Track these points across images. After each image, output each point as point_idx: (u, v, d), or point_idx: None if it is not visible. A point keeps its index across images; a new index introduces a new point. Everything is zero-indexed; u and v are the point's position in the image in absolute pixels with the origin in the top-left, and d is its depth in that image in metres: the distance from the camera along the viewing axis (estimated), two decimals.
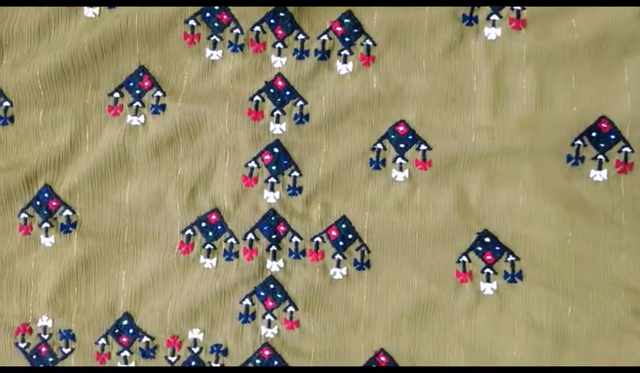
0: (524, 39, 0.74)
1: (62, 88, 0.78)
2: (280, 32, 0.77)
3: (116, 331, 0.77)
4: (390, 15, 0.75)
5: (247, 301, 0.76)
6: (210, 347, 0.76)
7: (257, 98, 0.77)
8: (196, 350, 0.76)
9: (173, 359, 0.77)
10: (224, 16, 0.77)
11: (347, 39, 0.76)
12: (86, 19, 0.78)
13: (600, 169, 0.73)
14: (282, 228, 0.76)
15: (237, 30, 0.77)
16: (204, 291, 0.76)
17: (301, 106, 0.76)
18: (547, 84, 0.74)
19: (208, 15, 0.77)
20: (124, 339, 0.77)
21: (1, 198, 0.78)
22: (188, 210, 0.77)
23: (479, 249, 0.74)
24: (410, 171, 0.75)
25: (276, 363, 0.76)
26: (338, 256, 0.76)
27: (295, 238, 0.76)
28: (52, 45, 0.78)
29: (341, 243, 0.75)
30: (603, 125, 0.73)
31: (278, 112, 0.77)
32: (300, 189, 0.76)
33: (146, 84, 0.78)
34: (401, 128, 0.76)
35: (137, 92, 0.78)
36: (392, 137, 0.76)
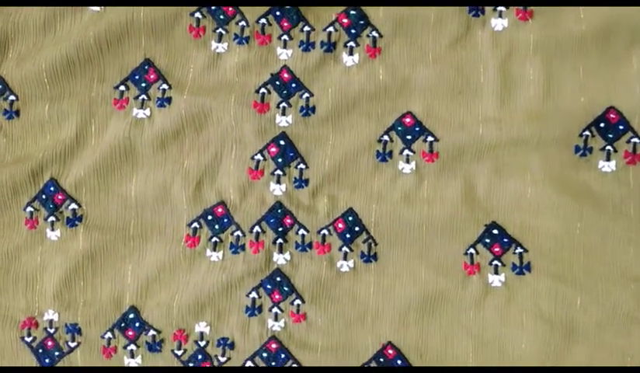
0: (531, 29, 0.74)
1: (68, 81, 0.78)
2: (285, 24, 0.76)
3: (123, 325, 0.77)
4: (396, 7, 0.75)
5: (253, 294, 0.76)
6: (217, 341, 0.76)
7: (263, 90, 0.76)
8: (202, 343, 0.76)
9: (180, 352, 0.76)
10: (230, 9, 0.77)
11: (353, 30, 0.76)
12: (92, 13, 0.78)
13: (608, 159, 0.73)
14: (288, 221, 0.76)
15: (242, 23, 0.77)
16: (211, 284, 0.76)
17: (307, 98, 0.76)
18: (555, 75, 0.74)
19: (214, 7, 0.77)
20: (130, 333, 0.77)
21: (7, 192, 0.77)
22: (194, 203, 0.77)
23: (487, 240, 0.74)
24: (417, 163, 0.75)
25: (282, 356, 0.75)
26: (345, 249, 0.75)
27: (302, 231, 0.76)
28: (58, 38, 0.78)
29: (348, 236, 0.75)
30: (612, 116, 0.72)
31: (284, 104, 0.76)
32: (306, 182, 0.76)
33: (152, 77, 0.78)
34: (407, 120, 0.75)
35: (143, 85, 0.77)
36: (399, 128, 0.75)
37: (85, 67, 0.78)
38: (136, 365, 0.77)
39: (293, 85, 0.76)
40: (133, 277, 0.77)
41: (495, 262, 0.74)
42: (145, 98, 0.77)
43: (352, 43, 0.76)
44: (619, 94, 0.73)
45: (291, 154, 0.76)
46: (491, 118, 0.74)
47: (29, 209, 0.78)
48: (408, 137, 0.75)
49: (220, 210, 0.77)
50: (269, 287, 0.76)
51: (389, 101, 0.76)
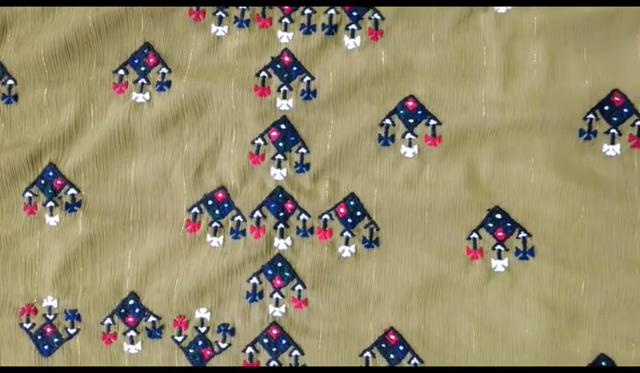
0: (535, 12, 0.73)
1: (66, 65, 0.77)
2: (286, 7, 0.76)
3: (122, 311, 0.76)
4: None
5: (254, 280, 0.75)
6: (217, 327, 0.75)
7: (263, 74, 0.76)
8: (203, 329, 0.75)
9: (180, 339, 0.76)
10: None
11: (355, 13, 0.75)
12: None
13: (612, 143, 0.72)
14: (289, 206, 0.75)
15: (243, 5, 0.76)
16: (211, 269, 0.75)
17: (308, 81, 0.75)
18: (559, 57, 0.73)
19: None
20: (130, 319, 0.76)
21: (6, 177, 0.77)
22: (194, 188, 0.76)
23: (490, 225, 0.73)
24: (419, 147, 0.74)
25: (283, 342, 0.75)
26: (346, 234, 0.75)
27: (303, 216, 0.75)
28: (56, 22, 0.77)
29: (349, 220, 0.74)
30: (616, 98, 0.72)
31: (285, 88, 0.75)
32: (307, 166, 0.75)
33: (151, 60, 0.77)
34: (410, 103, 0.74)
35: (142, 68, 0.77)
36: (401, 112, 0.75)
37: (84, 51, 0.77)
38: (136, 351, 0.76)
39: (294, 68, 0.76)
40: (133, 263, 0.76)
41: (498, 247, 0.73)
42: (144, 82, 0.77)
43: (353, 26, 0.75)
44: (624, 77, 0.72)
45: (292, 138, 0.75)
46: (494, 101, 0.73)
47: (28, 194, 0.77)
48: (411, 120, 0.74)
49: (220, 195, 0.76)
50: (270, 272, 0.75)
51: (391, 84, 0.75)
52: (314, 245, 0.75)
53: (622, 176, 0.72)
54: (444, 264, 0.73)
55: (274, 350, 0.75)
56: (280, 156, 0.75)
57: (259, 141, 0.76)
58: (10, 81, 0.78)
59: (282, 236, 0.75)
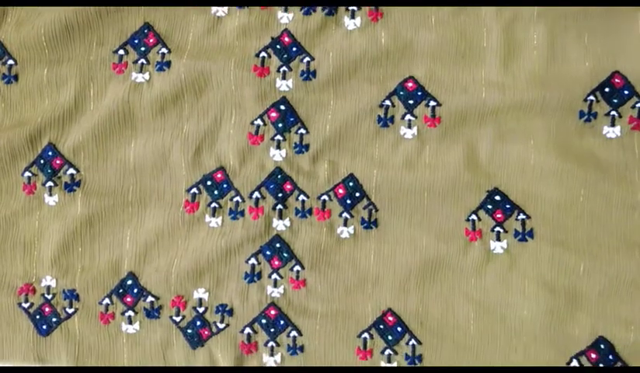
0: None
1: (66, 45, 0.77)
2: None
3: (121, 291, 0.76)
4: None
5: (253, 261, 0.75)
6: (216, 307, 0.75)
7: (263, 54, 0.76)
8: (201, 309, 0.75)
9: (178, 319, 0.75)
10: None
11: None
12: None
13: (612, 125, 0.72)
14: (288, 187, 0.75)
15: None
16: (209, 250, 0.75)
17: (308, 62, 0.75)
18: (559, 39, 0.73)
19: None
20: (129, 299, 0.76)
21: (5, 157, 0.77)
22: (193, 169, 0.76)
23: (489, 207, 0.73)
24: (419, 128, 0.74)
25: (282, 323, 0.74)
26: (345, 215, 0.74)
27: (302, 197, 0.75)
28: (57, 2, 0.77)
29: (348, 202, 0.74)
30: (617, 80, 0.71)
31: (284, 68, 0.75)
32: (306, 147, 0.75)
33: (151, 41, 0.77)
34: (410, 84, 0.74)
35: (142, 49, 0.77)
36: (401, 93, 0.74)
37: (84, 31, 0.77)
38: (134, 331, 0.76)
39: (294, 48, 0.75)
40: (132, 243, 0.76)
41: (497, 228, 0.73)
42: (144, 62, 0.77)
43: (353, 7, 0.75)
44: (624, 59, 0.72)
45: (292, 119, 0.75)
46: (494, 82, 0.73)
47: (27, 174, 0.77)
48: (410, 101, 0.74)
49: (219, 175, 0.76)
50: (268, 253, 0.75)
51: (391, 65, 0.75)
52: (313, 226, 0.75)
53: (622, 158, 0.71)
54: (443, 246, 0.73)
55: (272, 330, 0.75)
56: (279, 137, 0.75)
57: (259, 121, 0.75)
58: (10, 61, 0.78)
59: (281, 217, 0.75)
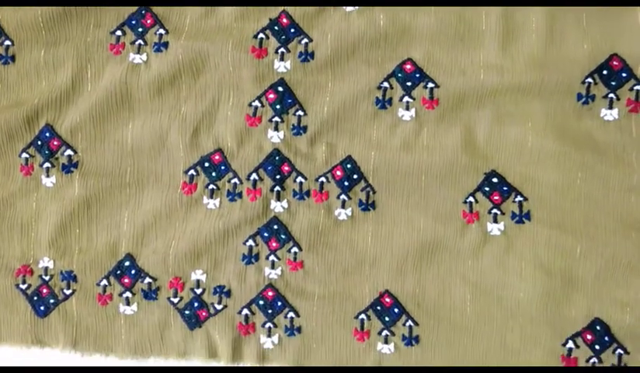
0: None
1: (64, 26, 0.77)
2: None
3: (118, 272, 0.76)
4: None
5: (250, 242, 0.75)
6: (213, 289, 0.76)
7: (261, 35, 0.75)
8: (198, 291, 0.75)
9: (176, 300, 0.76)
10: None
11: None
12: None
13: (610, 107, 0.72)
14: (286, 168, 0.75)
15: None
16: (207, 231, 0.75)
17: (306, 43, 0.75)
18: (558, 21, 0.73)
19: None
20: (126, 281, 0.76)
21: (2, 138, 0.77)
22: (191, 150, 0.76)
23: (487, 189, 0.73)
24: (417, 110, 0.74)
25: (279, 304, 0.75)
26: (343, 197, 0.74)
27: (299, 179, 0.75)
28: None
29: (346, 183, 0.74)
30: (615, 63, 0.71)
31: (282, 49, 0.75)
32: (304, 129, 0.75)
33: (148, 22, 0.76)
34: (408, 66, 0.74)
35: (140, 30, 0.76)
36: (399, 75, 0.74)
37: (82, 12, 0.77)
38: (131, 313, 0.76)
39: (292, 30, 0.75)
40: (129, 225, 0.76)
41: (495, 210, 0.73)
42: (142, 43, 0.76)
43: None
44: (623, 41, 0.72)
45: (290, 100, 0.75)
46: (492, 65, 0.73)
47: (25, 155, 0.77)
48: (409, 83, 0.74)
49: (217, 157, 0.76)
50: (266, 234, 0.75)
51: (389, 47, 0.75)
52: (311, 207, 0.75)
53: (619, 140, 0.72)
54: (440, 227, 0.73)
55: (270, 311, 0.75)
56: (277, 118, 0.75)
57: (257, 103, 0.75)
58: (7, 42, 0.77)
59: (278, 199, 0.75)
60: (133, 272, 0.76)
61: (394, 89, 0.74)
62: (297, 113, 0.75)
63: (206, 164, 0.76)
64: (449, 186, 0.73)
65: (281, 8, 0.76)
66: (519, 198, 0.73)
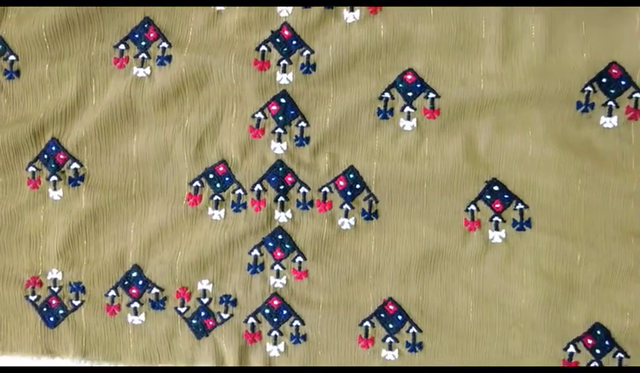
0: None
1: (68, 40, 0.78)
2: None
3: (126, 283, 0.77)
4: None
5: (255, 252, 0.76)
6: (220, 298, 0.77)
7: (263, 48, 0.76)
8: (205, 300, 0.77)
9: (183, 310, 0.77)
10: None
11: None
12: None
13: (610, 115, 0.72)
14: (289, 179, 0.76)
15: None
16: (213, 242, 0.76)
17: (308, 55, 0.76)
18: (557, 30, 0.73)
19: None
20: (134, 291, 0.77)
21: (9, 152, 0.78)
22: (195, 162, 0.77)
23: (488, 197, 0.74)
24: (418, 120, 0.75)
25: (284, 312, 0.76)
26: (346, 206, 0.75)
27: (303, 189, 0.76)
28: None
29: (349, 193, 0.75)
30: (614, 71, 0.72)
31: (284, 61, 0.76)
32: (307, 140, 0.76)
33: (151, 35, 0.77)
34: (409, 77, 0.75)
35: (143, 43, 0.77)
36: (400, 85, 0.75)
37: (85, 26, 0.77)
38: (139, 322, 0.77)
39: (294, 42, 0.76)
40: (136, 236, 0.78)
41: (496, 218, 0.74)
42: (145, 56, 0.77)
43: (352, 8, 0.75)
44: (621, 49, 0.72)
45: (292, 112, 0.76)
46: (492, 74, 0.73)
47: (32, 169, 0.78)
48: (410, 94, 0.75)
49: (221, 168, 0.77)
50: (270, 244, 0.76)
51: (390, 58, 0.75)
52: (314, 217, 0.76)
53: (619, 147, 0.72)
54: (442, 236, 0.74)
55: (275, 320, 0.76)
56: (280, 130, 0.76)
57: (259, 114, 0.76)
58: (12, 57, 0.78)
59: (282, 209, 0.76)
60: (140, 282, 0.77)
61: (395, 100, 0.75)
62: (300, 125, 0.76)
63: (211, 175, 0.77)
64: (450, 195, 0.74)
65: (282, 20, 0.76)
66: (520, 206, 0.74)
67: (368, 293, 0.75)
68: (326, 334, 0.76)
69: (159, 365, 0.77)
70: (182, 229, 0.77)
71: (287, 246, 0.76)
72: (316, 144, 0.76)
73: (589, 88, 0.72)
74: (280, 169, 0.76)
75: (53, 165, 0.78)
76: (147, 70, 0.77)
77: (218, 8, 0.77)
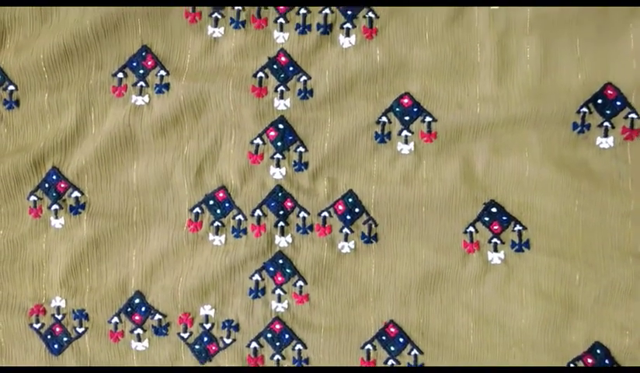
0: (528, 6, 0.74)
1: (66, 70, 0.78)
2: (281, 7, 0.76)
3: (129, 309, 0.78)
4: None
5: (257, 277, 0.77)
6: (222, 323, 0.77)
7: (260, 74, 0.77)
8: (208, 326, 0.77)
9: (186, 335, 0.78)
10: None
11: (349, 12, 0.76)
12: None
13: (606, 136, 0.73)
14: (289, 204, 0.77)
15: (238, 6, 0.77)
16: (214, 267, 0.77)
17: (305, 81, 0.76)
18: (552, 52, 0.73)
19: None
20: (137, 318, 0.78)
21: (10, 182, 0.78)
22: (195, 189, 0.77)
23: (486, 219, 0.74)
24: (415, 143, 0.75)
25: (287, 336, 0.77)
26: (345, 230, 0.76)
27: (302, 214, 0.77)
28: (54, 27, 0.78)
29: (348, 217, 0.76)
30: (609, 92, 0.72)
31: (282, 88, 0.76)
32: (306, 165, 0.76)
33: (149, 63, 0.78)
34: (405, 101, 0.75)
35: (141, 71, 0.78)
36: (397, 109, 0.76)
37: (83, 55, 0.78)
38: (143, 349, 0.78)
39: (291, 68, 0.77)
40: (138, 263, 0.78)
41: (495, 240, 0.74)
42: (143, 85, 0.78)
43: (348, 25, 0.76)
44: (616, 70, 0.73)
45: (290, 137, 0.77)
46: (488, 97, 0.74)
47: (33, 198, 0.79)
48: (406, 117, 0.75)
49: (221, 194, 0.77)
50: (271, 269, 0.77)
51: (386, 82, 0.76)
52: (314, 241, 0.77)
53: (615, 168, 0.73)
54: (442, 258, 0.75)
55: (278, 344, 0.77)
56: (278, 155, 0.77)
57: (258, 140, 0.77)
58: (11, 87, 0.79)
59: (282, 234, 0.77)
60: (143, 309, 0.78)
61: (392, 123, 0.76)
62: (298, 150, 0.77)
63: (211, 202, 0.77)
64: (449, 217, 0.75)
65: (279, 47, 0.77)
66: (518, 227, 0.74)
67: (369, 316, 0.76)
68: (328, 357, 0.76)
69: None
70: (183, 255, 0.78)
71: (288, 271, 0.77)
72: (315, 169, 0.76)
73: (584, 109, 0.73)
74: (280, 194, 0.77)
75: (54, 194, 0.78)
76: (146, 98, 0.77)
77: (215, 34, 0.77)
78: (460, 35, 0.75)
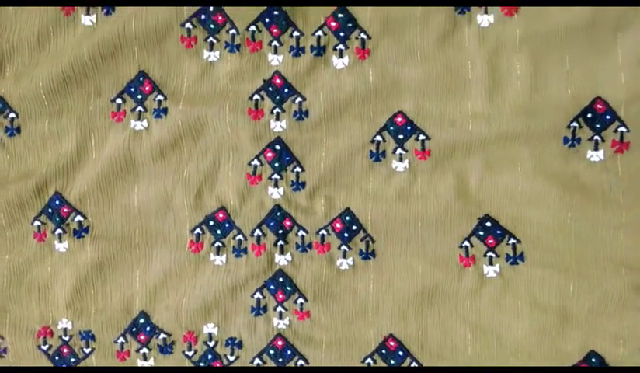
0: (517, 24, 0.75)
1: (65, 96, 0.79)
2: (274, 30, 0.78)
3: (134, 329, 0.80)
4: (383, 7, 0.76)
5: (258, 295, 0.79)
6: (225, 341, 0.79)
7: (256, 97, 0.78)
8: (211, 344, 0.79)
9: (190, 353, 0.79)
10: (219, 17, 0.78)
11: (342, 33, 0.77)
12: (84, 27, 0.79)
13: (596, 149, 0.74)
14: (288, 223, 0.78)
15: (232, 31, 0.78)
16: (216, 287, 0.79)
17: (300, 102, 0.78)
18: (542, 68, 0.75)
19: (203, 17, 0.78)
20: (142, 337, 0.80)
21: (14, 208, 0.80)
22: (195, 210, 0.79)
23: (481, 233, 0.76)
24: (410, 161, 0.77)
25: (289, 352, 0.78)
26: (343, 248, 0.78)
27: (301, 232, 0.78)
28: (52, 55, 0.79)
29: (346, 235, 0.77)
30: (599, 106, 0.74)
31: (277, 109, 0.78)
32: (303, 184, 0.78)
33: (147, 88, 0.79)
34: (399, 119, 0.77)
35: (139, 96, 0.79)
36: (391, 128, 0.77)
37: (81, 81, 0.79)
38: (149, 366, 0.80)
39: (286, 90, 0.78)
40: (142, 284, 0.80)
41: (490, 253, 0.76)
42: (142, 109, 0.79)
43: (341, 46, 0.77)
44: (605, 84, 0.74)
45: (287, 158, 0.78)
46: (480, 114, 0.75)
47: (37, 223, 0.80)
48: (400, 136, 0.77)
49: (221, 215, 0.79)
50: (272, 287, 0.79)
51: (380, 101, 0.77)
52: (313, 259, 0.78)
53: (606, 180, 0.74)
54: (438, 272, 0.77)
55: (280, 360, 0.79)
56: (276, 176, 0.78)
57: (256, 162, 0.78)
58: (12, 115, 0.80)
59: (282, 252, 0.78)
60: (148, 329, 0.80)
61: (387, 142, 0.77)
62: (295, 170, 0.78)
63: (211, 222, 0.79)
64: (445, 233, 0.77)
65: (274, 69, 0.78)
66: (512, 240, 0.76)
67: (369, 330, 0.78)
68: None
69: None
70: (185, 275, 0.80)
71: (288, 288, 0.78)
72: (312, 188, 0.78)
73: (574, 123, 0.74)
74: (278, 213, 0.78)
75: (57, 219, 0.80)
76: (145, 123, 0.79)
77: (210, 58, 0.79)
78: (451, 53, 0.76)
